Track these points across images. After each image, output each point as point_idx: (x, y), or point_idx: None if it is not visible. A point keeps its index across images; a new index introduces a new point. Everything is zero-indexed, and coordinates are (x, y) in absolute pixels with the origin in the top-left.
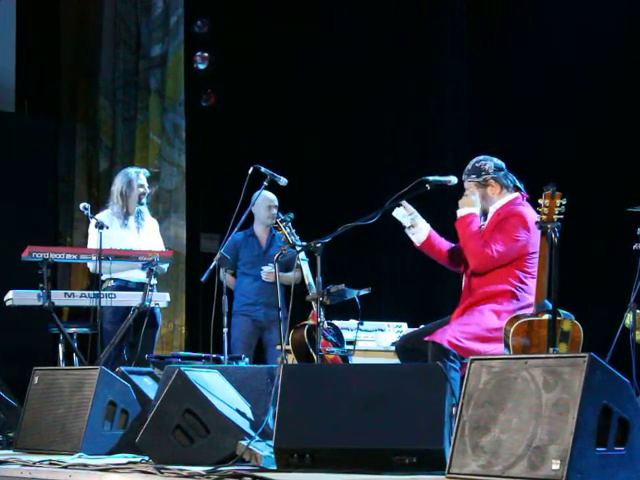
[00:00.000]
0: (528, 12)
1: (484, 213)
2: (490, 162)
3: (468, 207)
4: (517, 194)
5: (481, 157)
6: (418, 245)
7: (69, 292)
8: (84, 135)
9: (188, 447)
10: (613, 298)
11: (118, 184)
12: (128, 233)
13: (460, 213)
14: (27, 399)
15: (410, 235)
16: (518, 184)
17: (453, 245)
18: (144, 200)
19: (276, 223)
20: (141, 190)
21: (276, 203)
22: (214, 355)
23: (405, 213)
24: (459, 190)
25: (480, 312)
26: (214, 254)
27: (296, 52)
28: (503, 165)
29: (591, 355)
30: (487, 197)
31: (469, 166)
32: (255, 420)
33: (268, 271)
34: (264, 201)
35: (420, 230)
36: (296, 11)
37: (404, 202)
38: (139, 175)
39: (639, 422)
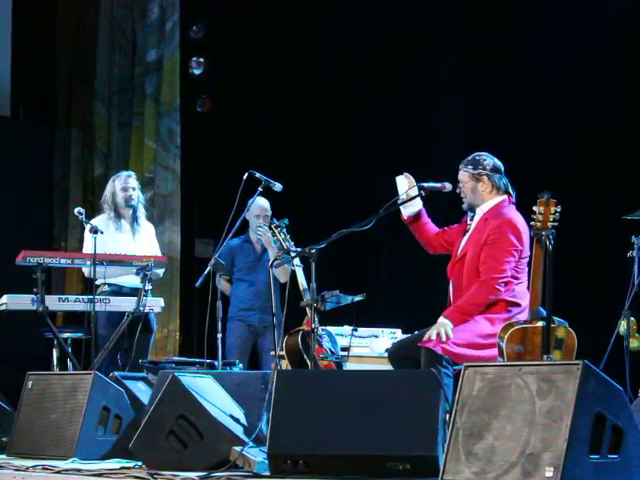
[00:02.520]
0: (527, 16)
1: (471, 208)
2: (490, 160)
3: (443, 321)
4: (504, 197)
5: (483, 153)
6: (405, 218)
7: (63, 297)
8: (79, 140)
9: (181, 452)
10: (607, 305)
11: (106, 189)
12: (123, 238)
13: (447, 322)
14: (21, 404)
15: (401, 207)
16: (510, 190)
17: (438, 230)
18: (132, 203)
19: (271, 229)
20: (123, 193)
21: (267, 212)
22: (208, 361)
23: (405, 183)
24: (455, 196)
25: (474, 320)
26: (209, 259)
27: (292, 57)
28: (502, 167)
29: (585, 362)
30: (476, 192)
31: (469, 157)
32: (249, 426)
33: (264, 231)
34: (254, 209)
35: (412, 205)
36: (293, 16)
37: (409, 175)
38: (122, 178)
39: (633, 429)
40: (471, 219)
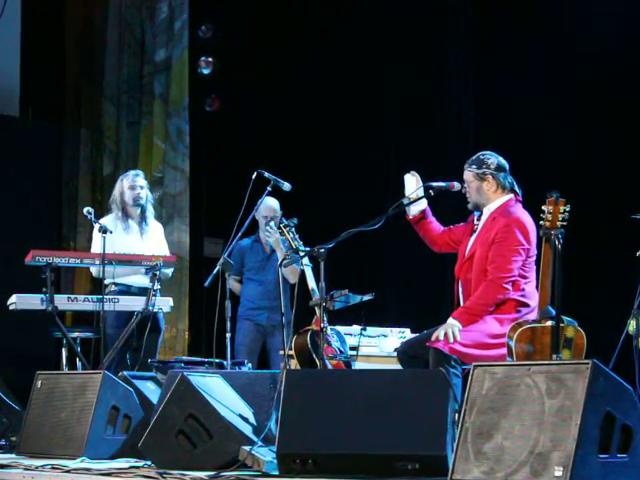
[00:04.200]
0: (535, 16)
1: (477, 207)
2: (494, 159)
3: (452, 321)
4: (511, 195)
5: (488, 152)
6: (410, 217)
7: (72, 296)
8: (88, 139)
9: (191, 452)
10: (616, 305)
11: (115, 189)
12: (131, 237)
13: (456, 323)
14: (30, 403)
15: (406, 206)
16: (516, 188)
17: (443, 228)
18: (141, 202)
19: (280, 228)
20: (131, 192)
21: (275, 213)
22: (217, 360)
23: (413, 182)
24: (462, 196)
25: (483, 320)
26: (217, 259)
27: (300, 57)
28: (506, 166)
29: (594, 362)
30: (481, 191)
31: (473, 156)
32: (258, 425)
33: (272, 233)
34: (262, 210)
35: (417, 204)
36: (300, 16)
37: (416, 173)
38: (130, 177)
39: None
40: (478, 219)
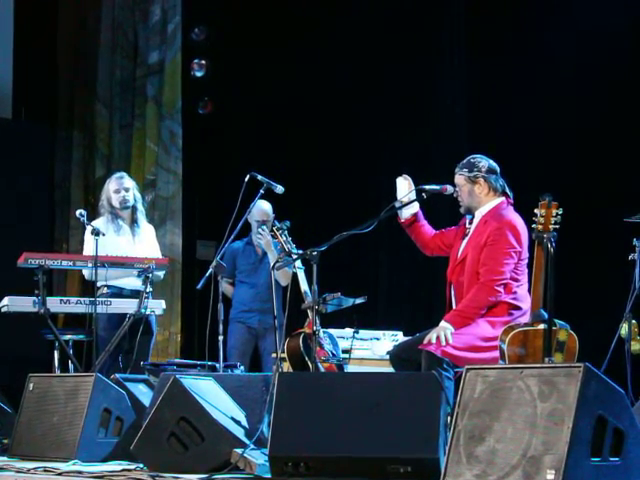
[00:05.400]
0: (529, 16)
1: (469, 211)
2: (485, 162)
3: (444, 324)
4: (502, 198)
5: (478, 155)
6: (402, 220)
7: (65, 299)
8: (81, 142)
9: (182, 455)
10: (609, 308)
11: (102, 193)
12: (123, 240)
13: (449, 326)
14: (22, 406)
15: (398, 209)
16: (507, 191)
17: (435, 232)
18: (129, 204)
19: (272, 231)
20: (116, 195)
21: (267, 217)
22: (209, 363)
23: (405, 185)
24: (455, 199)
25: (475, 323)
26: (210, 261)
27: (293, 60)
28: (497, 169)
29: (586, 365)
30: (473, 194)
31: (464, 160)
32: (250, 428)
33: (264, 235)
34: (255, 213)
35: (409, 207)
36: (294, 18)
37: (408, 177)
38: (113, 181)
39: (634, 432)
40: (470, 222)
